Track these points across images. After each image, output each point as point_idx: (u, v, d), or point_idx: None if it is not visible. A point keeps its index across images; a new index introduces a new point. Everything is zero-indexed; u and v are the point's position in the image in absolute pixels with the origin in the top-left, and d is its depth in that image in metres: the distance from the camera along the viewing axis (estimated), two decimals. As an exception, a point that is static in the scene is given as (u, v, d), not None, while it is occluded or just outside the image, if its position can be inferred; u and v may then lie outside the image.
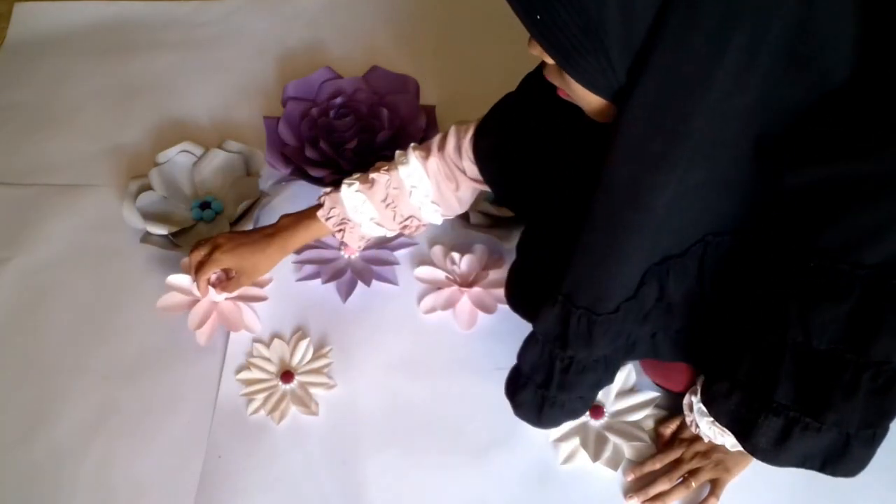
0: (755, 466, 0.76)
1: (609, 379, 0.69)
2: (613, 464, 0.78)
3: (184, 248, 0.91)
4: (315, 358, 0.86)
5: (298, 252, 0.93)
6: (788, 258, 0.51)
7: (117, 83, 1.16)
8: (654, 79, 0.44)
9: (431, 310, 0.89)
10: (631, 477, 0.77)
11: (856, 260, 0.48)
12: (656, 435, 0.80)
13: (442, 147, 0.78)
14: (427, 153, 0.79)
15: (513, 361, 0.86)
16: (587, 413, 0.79)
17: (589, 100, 0.50)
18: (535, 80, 0.68)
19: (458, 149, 0.77)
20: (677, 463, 0.76)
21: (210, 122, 1.10)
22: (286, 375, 0.84)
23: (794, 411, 0.55)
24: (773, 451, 0.58)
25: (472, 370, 0.85)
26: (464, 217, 0.93)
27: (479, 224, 0.93)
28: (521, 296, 0.73)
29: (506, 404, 0.83)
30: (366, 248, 0.94)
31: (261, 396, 0.83)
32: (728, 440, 0.69)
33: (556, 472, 0.78)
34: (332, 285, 0.91)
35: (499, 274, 0.91)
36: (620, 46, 0.44)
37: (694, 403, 0.72)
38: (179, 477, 0.79)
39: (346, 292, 0.90)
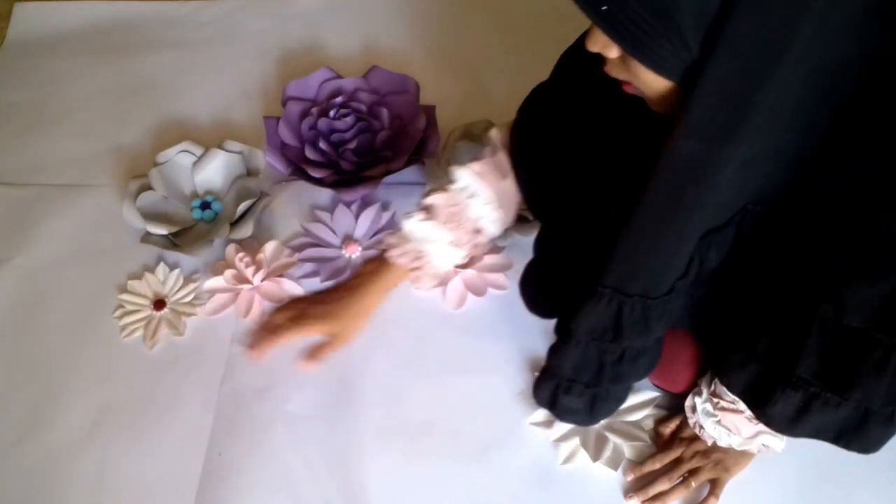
0: (755, 466, 0.76)
1: (657, 358, 0.67)
2: (613, 464, 0.78)
3: (184, 248, 0.91)
4: (185, 285, 0.92)
5: (300, 249, 0.94)
6: (829, 233, 0.51)
7: (117, 83, 1.16)
8: (728, 48, 0.43)
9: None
10: (631, 477, 0.77)
11: None
12: (656, 434, 0.80)
13: (491, 151, 0.78)
14: (475, 163, 0.77)
15: (513, 361, 0.86)
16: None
17: (657, 86, 0.49)
18: (570, 68, 0.67)
19: (500, 147, 0.76)
20: (677, 462, 0.76)
21: (210, 122, 1.10)
22: (159, 304, 0.90)
23: (816, 386, 0.55)
24: (789, 423, 0.58)
25: (472, 370, 0.85)
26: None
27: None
28: (539, 292, 0.72)
29: (506, 404, 0.83)
30: (365, 249, 0.94)
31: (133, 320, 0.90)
32: (735, 439, 0.69)
33: (556, 472, 0.78)
34: (330, 284, 0.91)
35: (494, 259, 0.92)
36: (695, 21, 0.43)
37: (697, 405, 0.72)
38: (179, 477, 0.79)
39: (345, 292, 0.90)
